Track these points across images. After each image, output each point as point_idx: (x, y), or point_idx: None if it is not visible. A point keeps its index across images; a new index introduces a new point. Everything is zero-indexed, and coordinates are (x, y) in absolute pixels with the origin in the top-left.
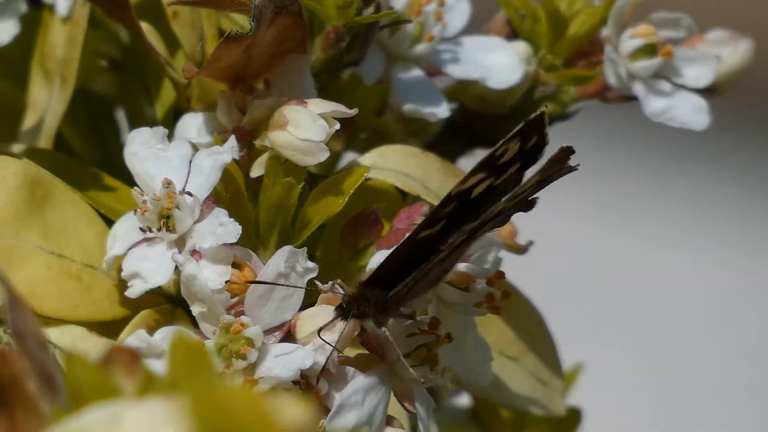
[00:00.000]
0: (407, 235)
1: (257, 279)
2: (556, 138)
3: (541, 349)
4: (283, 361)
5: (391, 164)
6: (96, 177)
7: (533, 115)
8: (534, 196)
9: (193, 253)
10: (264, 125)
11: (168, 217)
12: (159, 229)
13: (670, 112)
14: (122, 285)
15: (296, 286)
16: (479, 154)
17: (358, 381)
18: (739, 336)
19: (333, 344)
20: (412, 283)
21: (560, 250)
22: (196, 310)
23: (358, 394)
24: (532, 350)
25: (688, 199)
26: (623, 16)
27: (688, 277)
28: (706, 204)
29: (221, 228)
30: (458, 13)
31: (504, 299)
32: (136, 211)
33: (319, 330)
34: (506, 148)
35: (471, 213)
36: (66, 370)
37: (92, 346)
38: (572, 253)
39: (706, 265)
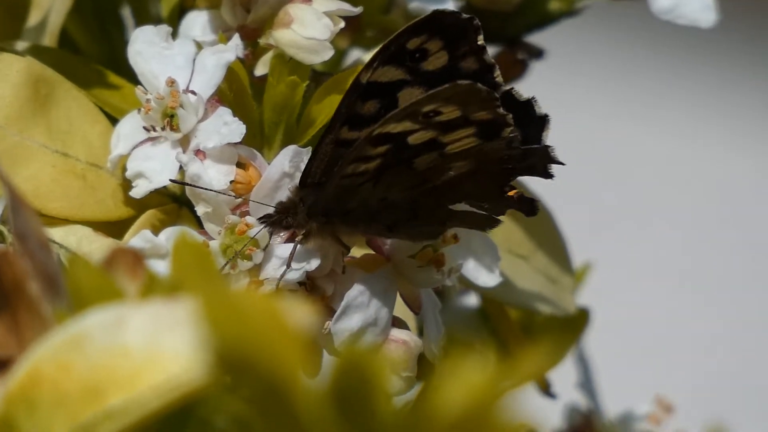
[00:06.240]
0: (326, 130)
1: (262, 178)
2: (564, 35)
3: (551, 247)
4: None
5: None
6: (100, 75)
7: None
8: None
9: (197, 152)
10: (268, 23)
11: (172, 117)
12: (163, 129)
13: (677, 9)
14: (127, 185)
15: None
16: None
17: (364, 282)
18: (752, 230)
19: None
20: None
21: (571, 146)
22: (200, 210)
23: (363, 295)
24: (542, 248)
25: (698, 93)
26: None
27: (700, 170)
28: (716, 98)
29: (225, 127)
30: None
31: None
32: (140, 110)
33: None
34: (420, 43)
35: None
36: (68, 272)
37: (98, 246)
38: (582, 149)
39: (718, 158)
